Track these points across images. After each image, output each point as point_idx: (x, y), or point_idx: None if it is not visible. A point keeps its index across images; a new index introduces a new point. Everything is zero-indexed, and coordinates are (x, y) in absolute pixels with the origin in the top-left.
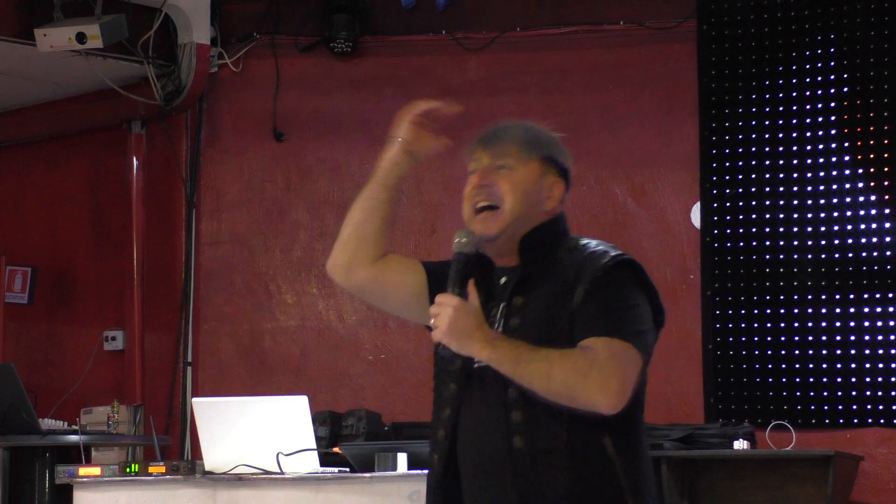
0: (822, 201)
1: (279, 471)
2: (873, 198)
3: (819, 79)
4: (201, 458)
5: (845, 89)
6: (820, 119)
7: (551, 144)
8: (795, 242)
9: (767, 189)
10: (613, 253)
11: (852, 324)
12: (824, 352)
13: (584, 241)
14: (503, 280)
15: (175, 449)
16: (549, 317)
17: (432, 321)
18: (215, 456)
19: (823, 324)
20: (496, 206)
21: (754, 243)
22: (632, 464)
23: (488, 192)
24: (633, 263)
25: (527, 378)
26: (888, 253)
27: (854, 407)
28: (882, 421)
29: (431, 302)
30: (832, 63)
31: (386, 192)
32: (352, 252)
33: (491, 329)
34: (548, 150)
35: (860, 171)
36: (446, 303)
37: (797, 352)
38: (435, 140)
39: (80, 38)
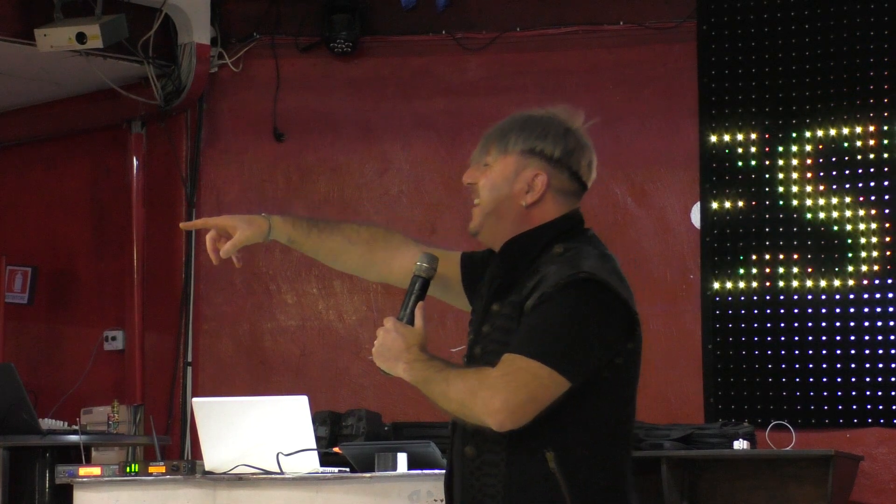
0: (821, 201)
1: (279, 471)
2: (873, 197)
3: (818, 79)
4: (201, 458)
5: (844, 89)
6: (819, 119)
7: (536, 134)
8: (795, 242)
9: (767, 189)
10: (572, 271)
11: (852, 324)
12: (824, 352)
13: (570, 250)
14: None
15: (175, 449)
16: (508, 328)
17: None
18: (215, 456)
19: (823, 324)
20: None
21: (754, 243)
22: (580, 478)
23: (473, 190)
24: (588, 283)
25: (432, 398)
26: (888, 253)
27: (854, 407)
28: (882, 421)
29: (466, 292)
30: (832, 63)
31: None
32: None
33: (419, 351)
34: (528, 142)
35: (860, 171)
36: (383, 325)
37: (797, 352)
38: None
39: (81, 38)
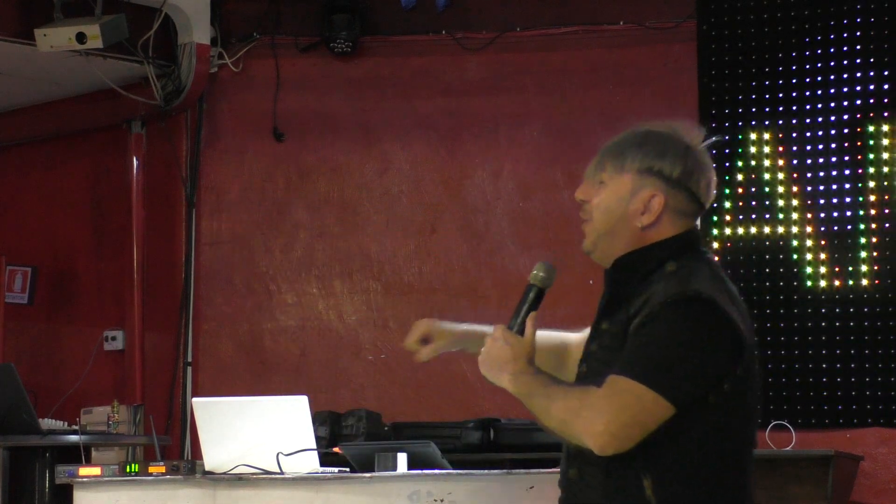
0: (821, 201)
1: (279, 471)
2: (873, 197)
3: (819, 79)
4: (201, 458)
5: (845, 89)
6: (820, 119)
7: (654, 153)
8: (795, 242)
9: (767, 189)
10: (679, 289)
11: (852, 324)
12: (824, 352)
13: (683, 268)
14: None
15: (175, 449)
16: (615, 346)
17: None
18: (215, 456)
19: (823, 324)
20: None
21: (754, 243)
22: None
23: (585, 208)
24: (696, 302)
25: (534, 413)
26: (888, 253)
27: (854, 407)
28: (882, 421)
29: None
30: (832, 63)
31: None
32: None
33: (526, 364)
34: (646, 161)
35: (860, 170)
36: (492, 334)
37: (797, 352)
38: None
39: (80, 38)
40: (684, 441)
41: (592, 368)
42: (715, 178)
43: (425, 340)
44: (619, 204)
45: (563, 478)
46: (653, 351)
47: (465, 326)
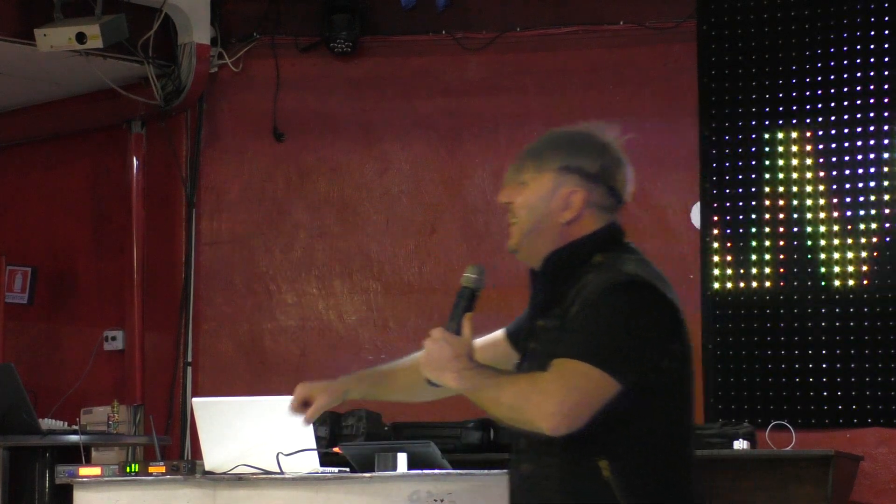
0: (821, 201)
1: (279, 471)
2: (873, 197)
3: (819, 79)
4: (201, 458)
5: (845, 89)
6: (820, 119)
7: (571, 151)
8: (795, 242)
9: (767, 189)
10: (614, 275)
11: (852, 324)
12: (824, 352)
13: (611, 260)
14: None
15: (175, 449)
16: (556, 339)
17: None
18: (215, 456)
19: (823, 324)
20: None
21: (754, 243)
22: (638, 485)
23: (510, 209)
24: (631, 285)
25: (485, 406)
26: (888, 253)
27: (854, 407)
28: (882, 421)
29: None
30: (832, 63)
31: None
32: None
33: (468, 360)
34: (564, 160)
35: (860, 170)
36: (431, 335)
37: (797, 352)
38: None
39: (80, 38)
40: (634, 419)
41: (534, 366)
42: (632, 174)
43: (306, 403)
44: (541, 202)
45: (515, 475)
46: (595, 332)
47: (346, 378)
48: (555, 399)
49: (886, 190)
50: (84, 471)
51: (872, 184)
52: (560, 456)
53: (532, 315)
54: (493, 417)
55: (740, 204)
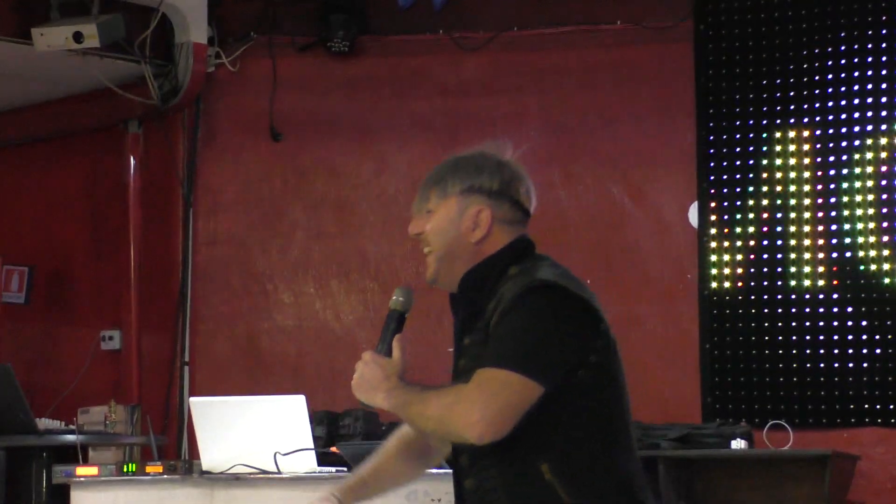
0: (819, 200)
1: (276, 470)
2: (871, 197)
3: (816, 78)
4: (198, 458)
5: (842, 88)
6: (817, 118)
7: (471, 172)
8: (793, 242)
9: (765, 188)
10: (526, 282)
11: (850, 323)
12: (821, 351)
13: (525, 269)
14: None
15: (172, 448)
16: (481, 354)
17: None
18: (213, 455)
19: (821, 323)
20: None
21: (751, 242)
22: (581, 483)
23: (422, 240)
24: (543, 289)
25: (412, 422)
26: (885, 252)
27: (851, 406)
28: (879, 420)
29: None
30: (829, 63)
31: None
32: None
33: (398, 380)
34: (466, 181)
35: (857, 170)
36: (362, 358)
37: (794, 351)
38: None
39: (77, 37)
40: (567, 419)
41: (465, 381)
42: (532, 186)
43: None
44: (450, 225)
45: (459, 491)
46: (512, 338)
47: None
48: (477, 407)
49: (885, 189)
50: (81, 470)
51: (871, 183)
52: (501, 466)
53: (457, 335)
54: (424, 433)
55: (738, 203)
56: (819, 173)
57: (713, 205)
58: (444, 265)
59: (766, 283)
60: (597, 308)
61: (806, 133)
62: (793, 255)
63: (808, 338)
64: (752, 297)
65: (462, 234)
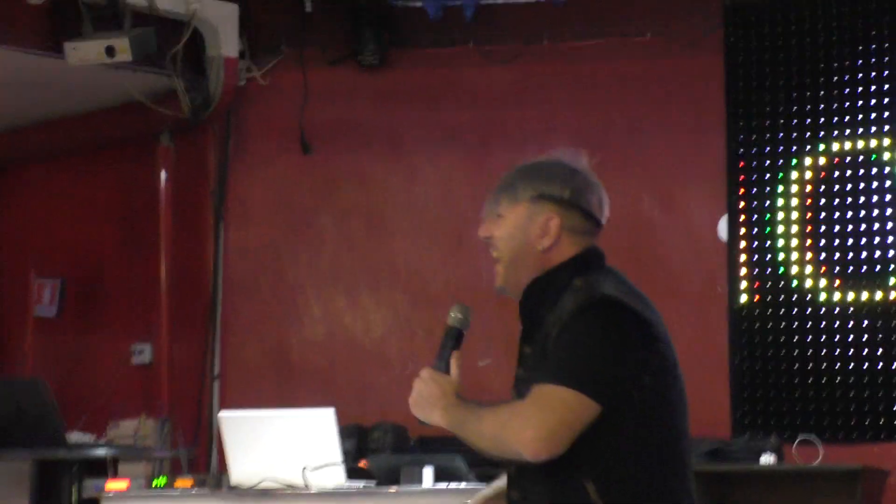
0: (849, 213)
1: (305, 485)
2: None
3: (846, 91)
4: (228, 472)
5: (872, 101)
6: (847, 132)
7: (542, 179)
8: (823, 255)
9: (795, 201)
10: (587, 297)
11: (879, 337)
12: (851, 365)
13: (589, 282)
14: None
15: (202, 461)
16: (538, 367)
17: None
18: (241, 469)
19: (850, 337)
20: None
21: (781, 256)
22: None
23: (491, 244)
24: (602, 304)
25: (469, 440)
26: None
27: (881, 421)
28: None
29: None
30: (860, 76)
31: None
32: None
33: (454, 397)
34: (537, 188)
35: (887, 183)
36: (420, 375)
37: (824, 365)
38: None
39: (110, 51)
40: (617, 439)
41: (522, 392)
42: (605, 196)
43: None
44: (518, 232)
45: (508, 502)
46: (569, 355)
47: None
48: (532, 424)
49: None
50: (111, 484)
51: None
52: (546, 482)
53: (520, 342)
54: (480, 451)
55: (767, 217)
56: (849, 186)
57: (743, 218)
58: (512, 273)
59: (795, 296)
60: (655, 326)
61: (836, 146)
62: (823, 269)
63: (837, 352)
64: (782, 311)
65: (530, 242)
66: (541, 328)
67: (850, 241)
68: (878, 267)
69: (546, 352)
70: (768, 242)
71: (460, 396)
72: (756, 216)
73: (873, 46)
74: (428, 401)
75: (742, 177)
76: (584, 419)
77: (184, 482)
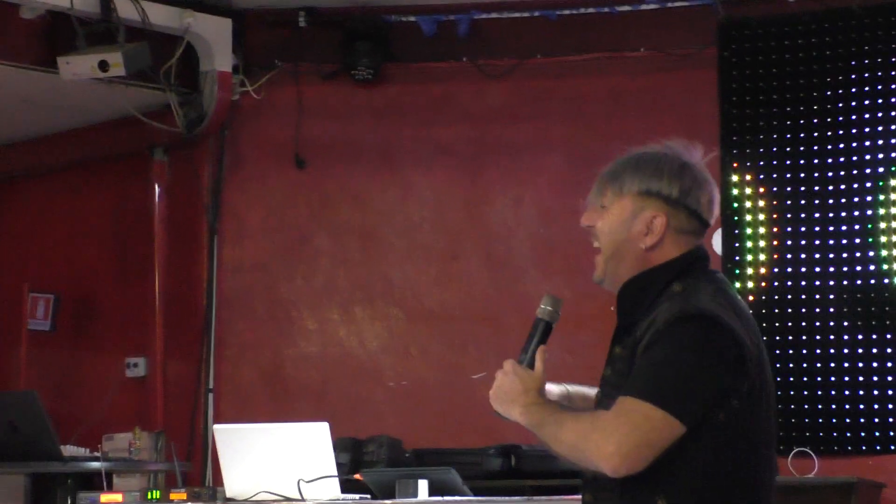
0: (843, 227)
1: (300, 498)
2: (895, 224)
3: (840, 105)
4: (223, 485)
5: (866, 116)
6: (841, 146)
7: (650, 174)
8: (817, 269)
9: (789, 216)
10: (682, 308)
11: (875, 350)
12: (846, 378)
13: (686, 289)
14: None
15: (196, 475)
16: (625, 371)
17: None
18: (236, 482)
19: (846, 350)
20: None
21: (776, 270)
22: None
23: (592, 234)
24: (697, 319)
25: (546, 442)
26: None
27: (876, 434)
28: None
29: None
30: (853, 90)
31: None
32: None
33: (537, 395)
34: (644, 183)
35: (881, 196)
36: (503, 367)
37: (819, 378)
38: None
39: (103, 66)
40: (696, 460)
41: (607, 393)
42: (717, 194)
43: None
44: (622, 227)
45: (584, 480)
46: (658, 370)
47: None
48: (614, 439)
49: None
50: (105, 497)
51: (881, 211)
52: (618, 492)
53: (612, 340)
54: (557, 455)
55: (761, 231)
56: (843, 200)
57: (737, 232)
58: (611, 266)
59: (790, 310)
60: (749, 345)
61: (829, 161)
62: (817, 283)
63: (832, 365)
64: (777, 325)
65: (632, 238)
66: (633, 330)
67: (845, 255)
68: (873, 280)
69: (635, 357)
70: (762, 256)
71: (542, 395)
72: (750, 230)
73: (866, 62)
74: (508, 395)
75: (736, 191)
76: (668, 439)
77: (178, 495)
